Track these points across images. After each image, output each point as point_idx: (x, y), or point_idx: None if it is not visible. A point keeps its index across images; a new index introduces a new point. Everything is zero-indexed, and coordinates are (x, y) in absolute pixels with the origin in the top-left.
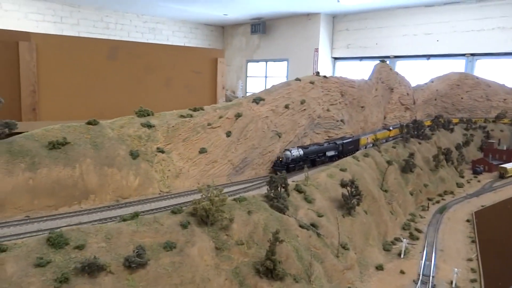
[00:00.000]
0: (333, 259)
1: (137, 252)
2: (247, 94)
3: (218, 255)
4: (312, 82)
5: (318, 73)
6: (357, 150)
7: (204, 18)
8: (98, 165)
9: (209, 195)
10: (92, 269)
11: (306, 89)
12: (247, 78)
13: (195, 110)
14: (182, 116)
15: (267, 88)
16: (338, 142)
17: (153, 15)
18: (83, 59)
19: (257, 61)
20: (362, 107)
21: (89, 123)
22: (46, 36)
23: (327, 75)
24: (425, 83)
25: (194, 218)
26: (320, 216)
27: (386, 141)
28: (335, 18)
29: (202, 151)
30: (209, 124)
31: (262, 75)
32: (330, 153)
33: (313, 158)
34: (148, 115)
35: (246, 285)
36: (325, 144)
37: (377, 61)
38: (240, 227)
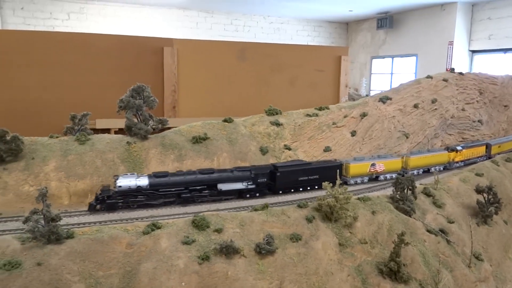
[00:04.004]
0: (464, 268)
1: (266, 240)
2: (371, 92)
3: (342, 251)
4: (445, 80)
5: (453, 69)
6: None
7: (328, 16)
8: (233, 159)
9: (333, 192)
10: (228, 251)
11: (438, 87)
12: (371, 75)
13: (320, 109)
14: (308, 115)
15: (393, 86)
16: (253, 171)
17: (278, 15)
18: (215, 61)
19: (383, 57)
20: (505, 106)
21: (225, 120)
22: (185, 41)
23: (464, 72)
24: None
25: (319, 213)
26: (450, 222)
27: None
28: (474, 7)
29: (327, 149)
30: (334, 123)
31: (388, 72)
32: (228, 186)
33: (179, 192)
34: (277, 113)
35: (369, 283)
36: (217, 172)
37: None
38: (364, 226)
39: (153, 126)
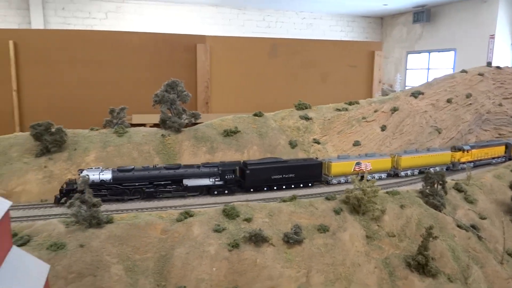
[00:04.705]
0: (496, 265)
1: (294, 230)
2: (406, 88)
3: (369, 243)
4: (481, 74)
5: (489, 63)
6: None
7: (362, 10)
8: (263, 152)
9: (361, 185)
10: (257, 239)
11: (473, 82)
12: (407, 71)
13: (350, 104)
14: (337, 110)
15: (428, 81)
16: (221, 167)
17: (311, 11)
18: (247, 57)
19: (419, 52)
20: None
21: (255, 114)
22: (217, 38)
23: (501, 66)
24: None
25: (346, 206)
26: (482, 218)
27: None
28: None
29: (356, 143)
30: (363, 118)
31: (424, 67)
32: (194, 182)
33: (139, 188)
34: (306, 108)
35: (396, 276)
36: (183, 167)
37: None
38: (392, 220)
39: (186, 120)
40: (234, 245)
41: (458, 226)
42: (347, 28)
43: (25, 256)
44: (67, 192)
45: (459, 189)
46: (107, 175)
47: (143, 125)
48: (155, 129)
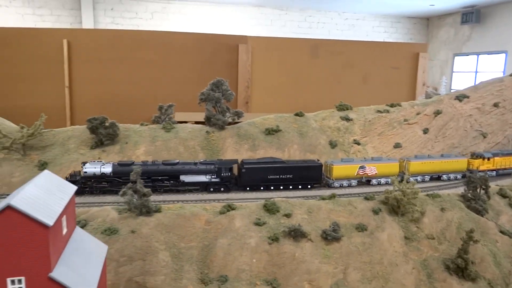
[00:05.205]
0: None
1: (333, 227)
2: (451, 92)
3: (407, 244)
4: None
5: None
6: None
7: (407, 11)
8: (303, 151)
9: (401, 187)
10: (296, 234)
11: None
12: (453, 73)
13: (392, 105)
14: (379, 111)
15: (474, 84)
16: (217, 165)
17: (354, 11)
18: (288, 58)
19: (467, 54)
20: None
21: (296, 114)
22: (259, 39)
23: None
24: None
25: (385, 206)
26: None
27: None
28: None
29: (397, 145)
30: (405, 120)
31: (472, 70)
32: (191, 178)
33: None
34: (347, 109)
35: (434, 278)
36: (180, 164)
37: None
38: (432, 222)
39: (230, 118)
40: (274, 239)
41: (501, 231)
42: (390, 29)
43: (87, 236)
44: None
45: (503, 195)
46: (107, 169)
47: (185, 122)
48: (200, 125)
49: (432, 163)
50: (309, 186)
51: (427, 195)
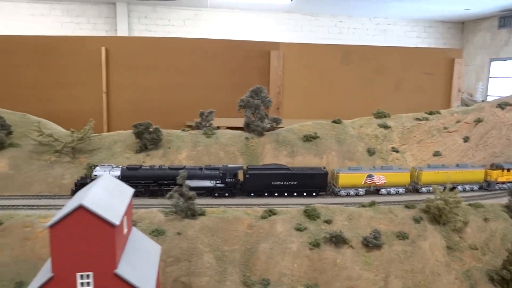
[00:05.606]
0: None
1: (374, 234)
2: (488, 98)
3: (449, 254)
4: None
5: None
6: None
7: (440, 15)
8: (341, 158)
9: (443, 195)
10: (338, 240)
11: None
12: (489, 79)
13: (431, 113)
14: (417, 119)
15: None
16: (222, 171)
17: (385, 17)
18: (319, 64)
19: (504, 59)
20: None
21: (334, 121)
22: (290, 45)
23: None
24: None
25: (427, 215)
26: None
27: None
28: None
29: (436, 154)
30: (445, 128)
31: (510, 76)
32: (196, 183)
33: (145, 185)
34: (385, 116)
35: None
36: (186, 169)
37: None
38: (475, 232)
39: (268, 124)
40: (315, 244)
41: None
42: (423, 34)
43: (142, 236)
44: (81, 186)
45: None
46: (116, 172)
47: (217, 128)
48: (239, 132)
49: (446, 173)
50: (314, 194)
51: (469, 204)
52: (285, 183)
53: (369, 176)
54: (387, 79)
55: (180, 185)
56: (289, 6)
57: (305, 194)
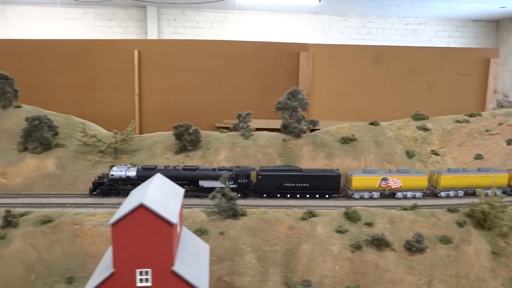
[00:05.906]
0: None
1: (416, 238)
2: None
3: (495, 259)
4: None
5: None
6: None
7: (473, 14)
8: (379, 160)
9: (489, 199)
10: (380, 243)
11: None
12: None
13: (471, 115)
14: (457, 121)
15: None
16: (234, 172)
17: (415, 16)
18: (350, 65)
19: None
20: None
21: (371, 123)
22: (319, 46)
23: None
24: None
25: (470, 219)
26: None
27: None
28: None
29: (478, 157)
30: (487, 131)
31: None
32: (209, 184)
33: None
34: (424, 118)
35: None
36: (199, 170)
37: None
38: None
39: (305, 126)
40: (357, 247)
41: None
42: (455, 33)
43: (192, 235)
44: (98, 185)
45: None
46: (132, 172)
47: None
48: (276, 133)
49: (466, 177)
50: (326, 196)
51: None
52: (297, 184)
53: (384, 179)
54: (419, 81)
55: (227, 186)
56: (317, 7)
57: (317, 196)
